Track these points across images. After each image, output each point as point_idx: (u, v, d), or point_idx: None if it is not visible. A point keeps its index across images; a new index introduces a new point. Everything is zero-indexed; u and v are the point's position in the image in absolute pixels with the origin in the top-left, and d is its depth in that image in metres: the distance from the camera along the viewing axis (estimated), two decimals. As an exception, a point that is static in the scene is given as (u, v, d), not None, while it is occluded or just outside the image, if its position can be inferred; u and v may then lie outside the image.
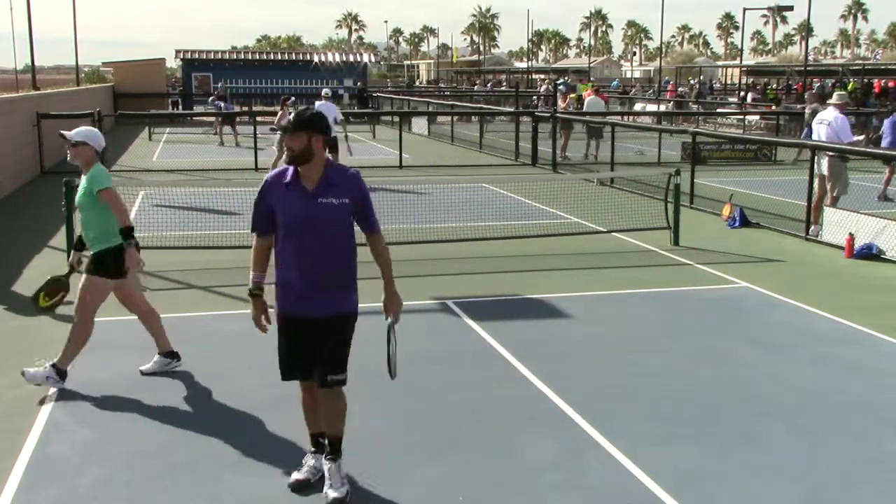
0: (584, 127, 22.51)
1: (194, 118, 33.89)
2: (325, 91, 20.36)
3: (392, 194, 15.74)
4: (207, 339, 7.62)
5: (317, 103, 18.74)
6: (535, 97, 40.52)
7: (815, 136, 13.19)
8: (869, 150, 14.15)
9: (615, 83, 60.78)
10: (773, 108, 32.64)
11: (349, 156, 19.01)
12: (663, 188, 12.55)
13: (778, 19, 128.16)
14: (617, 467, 5.13)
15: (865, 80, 39.38)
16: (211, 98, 29.32)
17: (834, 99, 13.45)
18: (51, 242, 11.50)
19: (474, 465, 5.15)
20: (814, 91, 26.53)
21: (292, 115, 4.51)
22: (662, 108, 36.55)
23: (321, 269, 4.66)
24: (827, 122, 12.86)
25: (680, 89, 46.01)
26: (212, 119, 30.29)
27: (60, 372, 6.34)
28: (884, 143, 16.54)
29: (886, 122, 16.72)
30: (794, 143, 17.07)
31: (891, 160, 15.36)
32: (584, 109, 23.46)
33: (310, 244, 4.63)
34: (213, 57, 40.49)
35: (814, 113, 20.55)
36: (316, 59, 41.46)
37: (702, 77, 53.93)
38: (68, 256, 10.06)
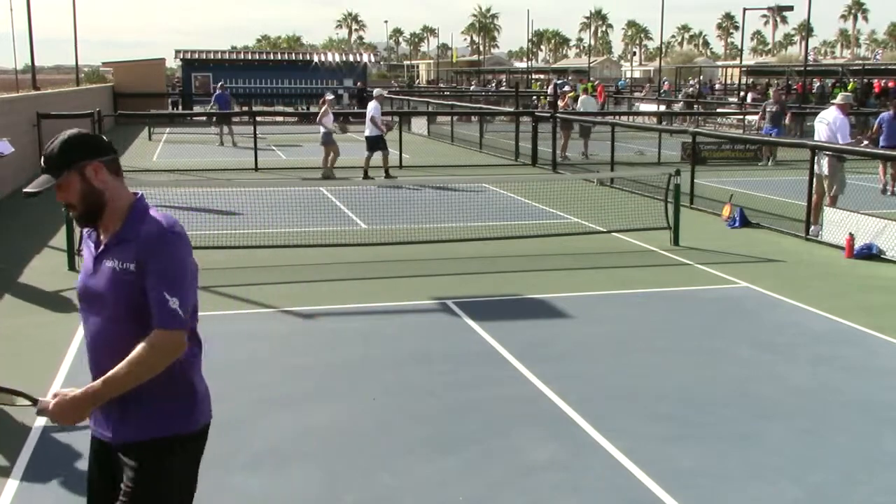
0: (574, 126, 22.68)
1: (194, 118, 33.90)
2: (377, 91, 20.66)
3: (392, 194, 15.75)
4: (207, 338, 7.60)
5: (370, 104, 19.04)
6: (535, 98, 40.48)
7: (815, 136, 13.19)
8: (869, 150, 14.14)
9: (622, 83, 60.65)
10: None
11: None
12: (663, 188, 12.55)
13: (778, 19, 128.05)
14: (617, 467, 5.13)
15: (865, 80, 39.39)
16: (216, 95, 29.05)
17: (838, 99, 13.43)
18: (51, 242, 11.50)
19: (474, 465, 5.15)
20: (780, 90, 27.31)
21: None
22: (663, 108, 36.55)
23: (105, 369, 2.86)
24: (827, 122, 12.86)
25: (690, 89, 45.92)
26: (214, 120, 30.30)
27: None
28: (882, 142, 16.60)
29: (885, 116, 16.80)
30: (795, 143, 17.04)
31: (888, 159, 15.36)
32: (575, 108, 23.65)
33: (92, 330, 2.96)
34: (213, 57, 40.48)
35: (779, 106, 21.24)
36: (316, 59, 41.45)
37: (701, 77, 53.96)
38: (69, 256, 10.10)
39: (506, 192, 16.54)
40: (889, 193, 16.37)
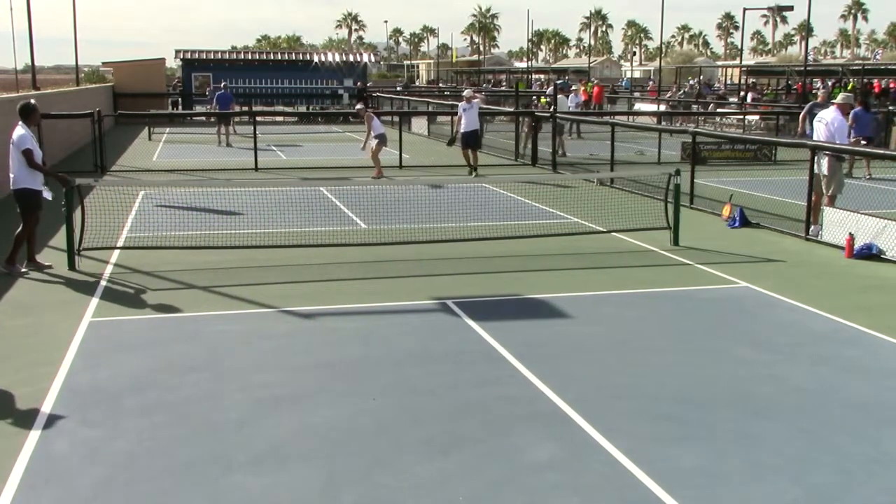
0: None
1: (194, 118, 33.90)
2: (467, 92, 21.55)
3: (392, 194, 15.75)
4: (208, 338, 7.62)
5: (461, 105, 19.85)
6: (535, 98, 40.47)
7: (815, 136, 13.18)
8: (869, 150, 14.14)
9: (626, 83, 60.49)
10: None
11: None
12: (663, 188, 12.55)
13: (778, 19, 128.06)
14: (617, 467, 5.13)
15: (865, 80, 39.35)
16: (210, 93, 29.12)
17: (838, 99, 13.41)
18: (51, 242, 11.50)
19: (474, 465, 5.15)
20: (828, 91, 27.13)
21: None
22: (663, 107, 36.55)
23: None
24: (826, 122, 12.84)
25: (686, 88, 45.77)
26: (213, 120, 30.32)
27: None
28: (854, 133, 17.08)
29: (857, 110, 17.10)
30: (794, 143, 17.05)
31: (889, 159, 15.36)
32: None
33: None
34: (213, 57, 40.47)
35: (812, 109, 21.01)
36: (316, 59, 41.45)
37: (702, 77, 53.92)
38: (69, 256, 10.10)
39: (506, 192, 16.54)
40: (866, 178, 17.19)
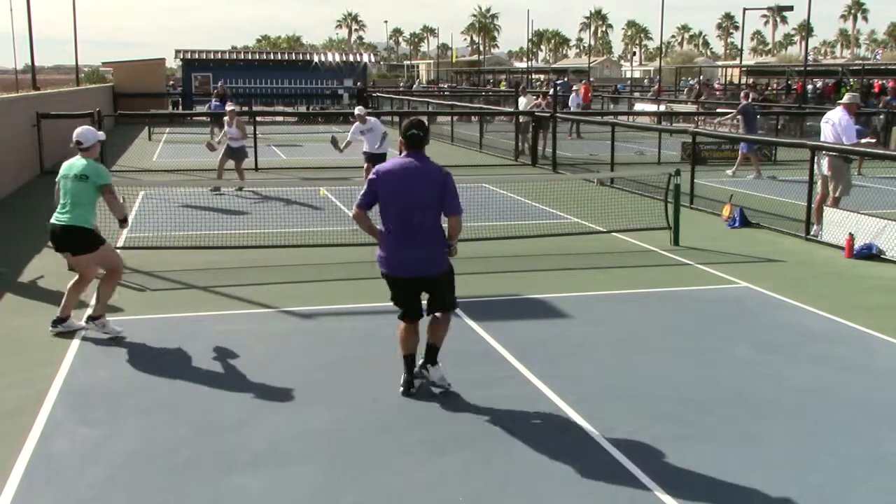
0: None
1: (194, 118, 33.89)
2: (360, 109, 16.09)
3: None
4: (208, 338, 7.62)
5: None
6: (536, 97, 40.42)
7: (822, 137, 13.12)
8: (870, 150, 14.11)
9: (622, 87, 60.41)
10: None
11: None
12: (663, 188, 12.55)
13: (778, 19, 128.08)
14: (616, 467, 5.14)
15: (865, 80, 39.34)
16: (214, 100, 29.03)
17: (844, 99, 13.39)
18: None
19: (474, 465, 5.15)
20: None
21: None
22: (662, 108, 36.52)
23: None
24: (832, 123, 12.81)
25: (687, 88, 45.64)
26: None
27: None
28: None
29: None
30: (794, 143, 17.05)
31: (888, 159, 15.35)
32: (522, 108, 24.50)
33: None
34: (213, 57, 40.51)
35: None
36: (316, 59, 41.47)
37: (702, 77, 53.87)
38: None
39: (506, 192, 16.54)
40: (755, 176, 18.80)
